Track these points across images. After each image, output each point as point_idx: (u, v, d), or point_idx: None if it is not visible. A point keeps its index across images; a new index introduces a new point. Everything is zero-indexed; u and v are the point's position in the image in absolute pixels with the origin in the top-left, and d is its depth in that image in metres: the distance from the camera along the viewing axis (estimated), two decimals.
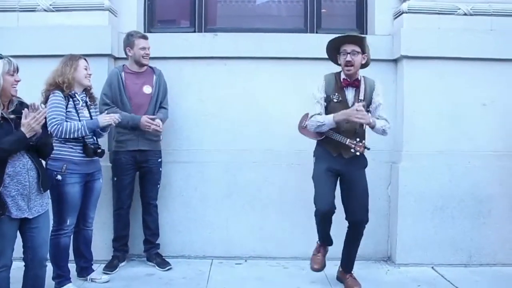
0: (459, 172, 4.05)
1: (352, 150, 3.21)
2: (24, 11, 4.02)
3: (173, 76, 4.14)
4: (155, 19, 4.52)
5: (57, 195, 3.22)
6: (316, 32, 4.44)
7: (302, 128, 3.60)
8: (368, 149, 3.26)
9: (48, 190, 2.84)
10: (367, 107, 3.33)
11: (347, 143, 3.21)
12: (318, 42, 4.06)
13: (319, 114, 3.32)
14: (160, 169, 3.94)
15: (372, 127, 3.28)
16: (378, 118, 3.34)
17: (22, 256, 2.75)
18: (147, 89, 3.84)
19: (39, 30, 3.96)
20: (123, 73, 3.81)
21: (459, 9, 4.04)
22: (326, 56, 4.04)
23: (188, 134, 4.22)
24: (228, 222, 4.20)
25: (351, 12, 4.56)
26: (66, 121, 3.21)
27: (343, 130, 3.29)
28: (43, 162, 2.94)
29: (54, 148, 3.14)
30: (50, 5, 4.00)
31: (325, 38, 4.11)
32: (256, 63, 4.19)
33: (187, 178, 4.19)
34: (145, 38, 3.81)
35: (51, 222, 3.18)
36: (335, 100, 3.33)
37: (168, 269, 3.87)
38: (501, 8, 4.05)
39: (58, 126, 3.16)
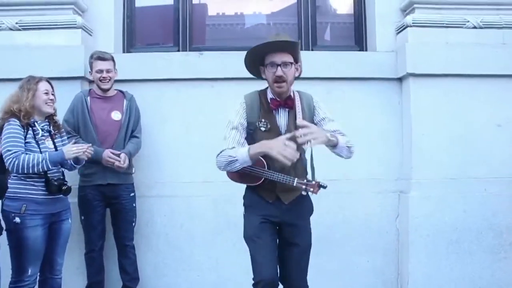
0: (474, 201, 3.68)
1: (304, 193, 2.49)
2: None
3: (154, 101, 3.82)
4: (135, 38, 4.18)
5: (15, 241, 2.79)
6: (312, 50, 4.13)
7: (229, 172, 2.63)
8: (325, 187, 2.51)
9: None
10: None
11: (295, 184, 2.45)
12: (314, 61, 3.81)
13: (232, 148, 2.49)
14: (134, 204, 3.54)
15: (334, 145, 2.43)
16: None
17: None
18: (116, 115, 3.47)
19: (3, 51, 3.61)
20: (88, 98, 3.46)
21: (468, 21, 3.73)
22: (324, 76, 3.84)
23: (172, 165, 3.83)
24: (218, 263, 3.79)
25: (349, 27, 4.25)
26: (26, 153, 2.76)
27: (280, 166, 2.44)
28: None
29: (11, 185, 2.78)
30: (16, 23, 3.64)
31: (321, 56, 3.89)
32: (246, 84, 3.69)
33: (171, 214, 3.80)
34: (103, 59, 3.43)
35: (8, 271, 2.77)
36: (262, 129, 2.52)
37: None
38: None
39: (14, 159, 2.70)
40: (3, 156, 2.72)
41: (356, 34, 4.20)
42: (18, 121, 2.79)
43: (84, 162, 3.07)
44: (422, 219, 3.65)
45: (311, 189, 2.47)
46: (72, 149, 2.84)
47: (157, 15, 4.36)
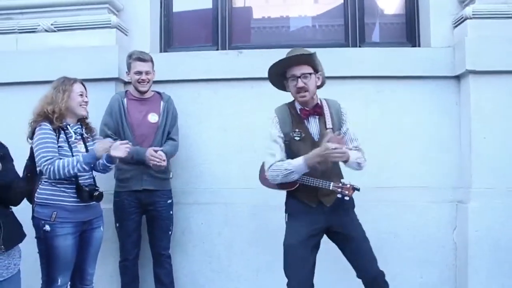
0: None
1: (339, 196, 2.55)
2: (23, 32, 3.63)
3: (191, 102, 3.64)
4: (173, 38, 4.02)
5: (45, 249, 2.67)
6: (359, 46, 3.83)
7: (265, 179, 2.77)
8: (358, 189, 2.57)
9: (18, 246, 2.26)
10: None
11: (331, 188, 2.54)
12: (362, 58, 3.59)
13: (281, 160, 2.61)
14: (171, 212, 3.36)
15: (345, 161, 2.57)
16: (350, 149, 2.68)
17: None
18: (153, 118, 3.29)
19: (39, 53, 3.54)
20: (125, 100, 3.30)
21: None
22: (373, 74, 3.61)
23: (210, 170, 3.64)
24: (258, 274, 3.56)
25: (400, 22, 3.92)
26: (60, 158, 2.66)
27: (318, 171, 2.59)
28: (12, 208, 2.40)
29: (42, 191, 2.68)
30: (52, 24, 3.58)
31: (370, 53, 3.64)
32: None
33: (209, 221, 3.60)
34: (143, 60, 3.27)
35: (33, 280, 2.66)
36: (296, 138, 2.64)
37: None
38: None
39: (50, 166, 2.61)
40: (38, 163, 2.64)
41: (408, 29, 3.87)
42: (49, 125, 2.69)
43: (117, 161, 2.91)
44: (483, 232, 3.29)
45: (346, 192, 2.54)
46: (102, 146, 2.70)
47: (195, 15, 4.18)
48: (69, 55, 3.49)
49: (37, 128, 2.70)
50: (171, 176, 3.38)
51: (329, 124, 2.63)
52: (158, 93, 3.42)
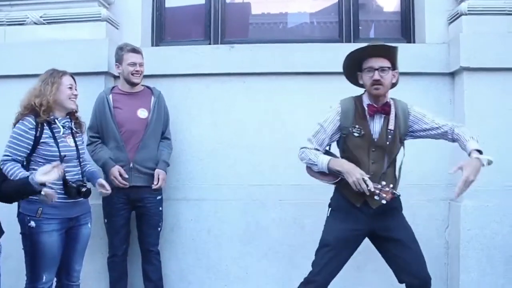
0: None
1: (376, 198, 2.43)
2: (12, 24, 3.59)
3: (181, 97, 3.60)
4: (165, 32, 3.96)
5: (30, 246, 2.63)
6: (354, 42, 3.75)
7: (308, 168, 2.74)
8: (398, 195, 2.49)
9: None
10: (402, 138, 2.62)
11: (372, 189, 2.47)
12: None
13: (315, 149, 2.60)
14: (160, 208, 3.32)
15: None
16: (459, 137, 2.66)
17: None
18: (143, 113, 3.25)
19: (28, 46, 3.50)
20: (110, 96, 3.25)
21: None
22: None
23: (200, 167, 3.60)
24: (248, 272, 3.52)
25: (395, 18, 3.86)
26: (16, 159, 2.59)
27: (369, 171, 2.53)
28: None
29: None
30: (41, 17, 3.54)
31: None
32: (281, 80, 3.54)
33: (198, 218, 3.56)
34: (136, 52, 3.24)
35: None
36: (356, 134, 2.56)
37: None
38: None
39: (2, 165, 2.56)
40: None
41: (403, 25, 3.80)
42: (33, 120, 2.63)
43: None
44: (476, 231, 3.25)
45: (384, 195, 2.42)
46: (42, 177, 2.32)
47: (188, 9, 4.13)
48: (58, 48, 3.45)
49: (19, 122, 2.65)
50: None
51: (391, 125, 2.56)
52: (148, 88, 3.37)
